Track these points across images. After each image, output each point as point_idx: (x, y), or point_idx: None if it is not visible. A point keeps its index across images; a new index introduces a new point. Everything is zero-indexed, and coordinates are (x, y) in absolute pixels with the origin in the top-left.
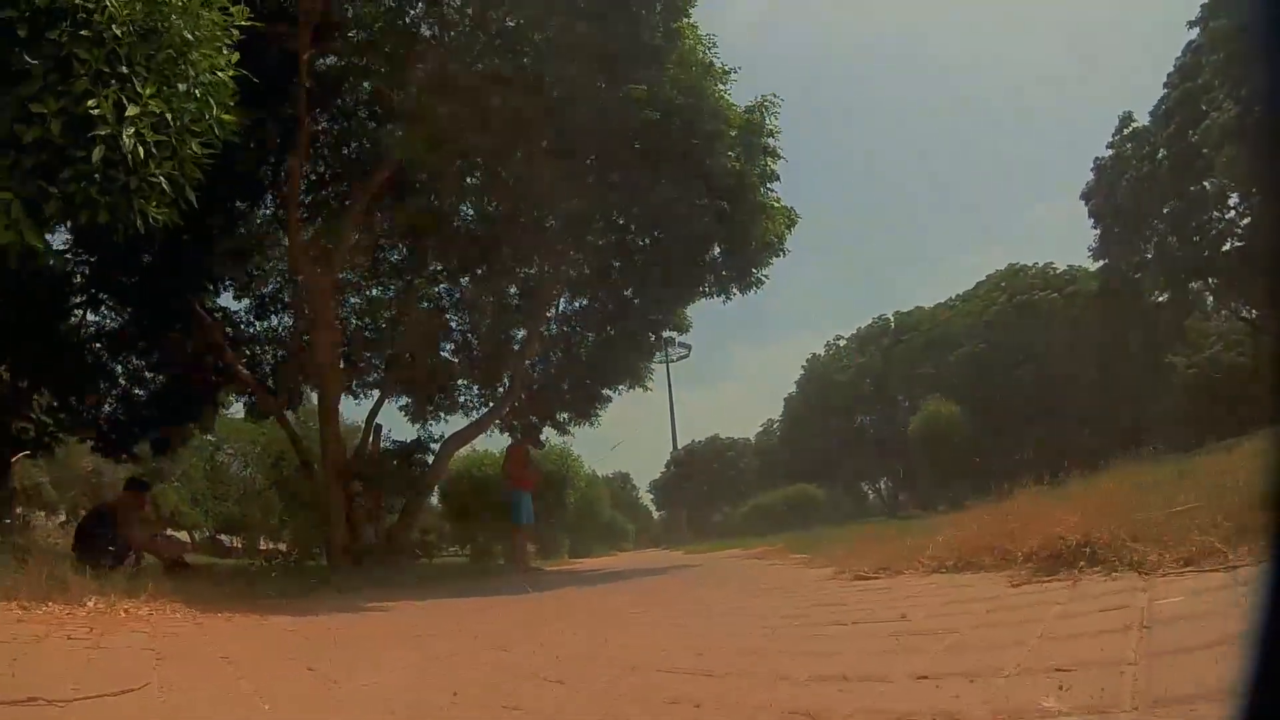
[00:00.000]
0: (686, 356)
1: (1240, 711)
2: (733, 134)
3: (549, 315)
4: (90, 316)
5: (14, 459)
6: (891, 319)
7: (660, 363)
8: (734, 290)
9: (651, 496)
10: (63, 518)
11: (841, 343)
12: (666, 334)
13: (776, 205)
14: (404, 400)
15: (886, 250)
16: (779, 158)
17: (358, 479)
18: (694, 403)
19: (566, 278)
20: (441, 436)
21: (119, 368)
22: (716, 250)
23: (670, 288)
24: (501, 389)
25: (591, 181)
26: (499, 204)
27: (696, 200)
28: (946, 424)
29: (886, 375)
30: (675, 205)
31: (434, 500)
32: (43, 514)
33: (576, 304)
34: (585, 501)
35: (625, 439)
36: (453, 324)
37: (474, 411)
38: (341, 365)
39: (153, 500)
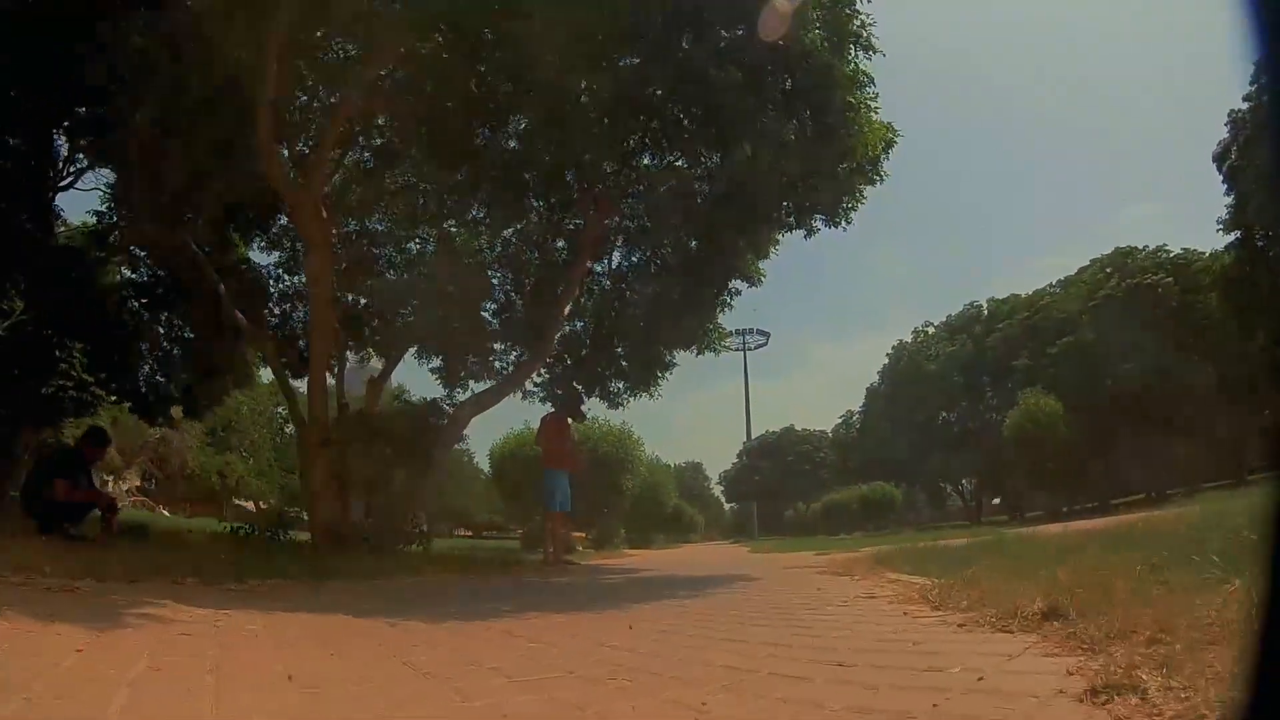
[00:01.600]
0: (765, 345)
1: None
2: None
3: (600, 271)
4: (127, 273)
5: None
6: (985, 305)
7: (738, 349)
8: (817, 221)
9: (722, 488)
10: (136, 482)
11: (930, 330)
12: (735, 285)
13: (872, 110)
14: (436, 363)
15: (977, 240)
16: (874, 50)
17: (347, 443)
18: (770, 395)
19: (623, 229)
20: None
21: (157, 327)
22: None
23: (741, 221)
24: (549, 365)
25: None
26: (528, 120)
27: (769, 86)
28: (1046, 422)
29: (978, 366)
30: (741, 98)
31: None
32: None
33: (633, 258)
34: (647, 489)
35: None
36: (494, 280)
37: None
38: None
39: None
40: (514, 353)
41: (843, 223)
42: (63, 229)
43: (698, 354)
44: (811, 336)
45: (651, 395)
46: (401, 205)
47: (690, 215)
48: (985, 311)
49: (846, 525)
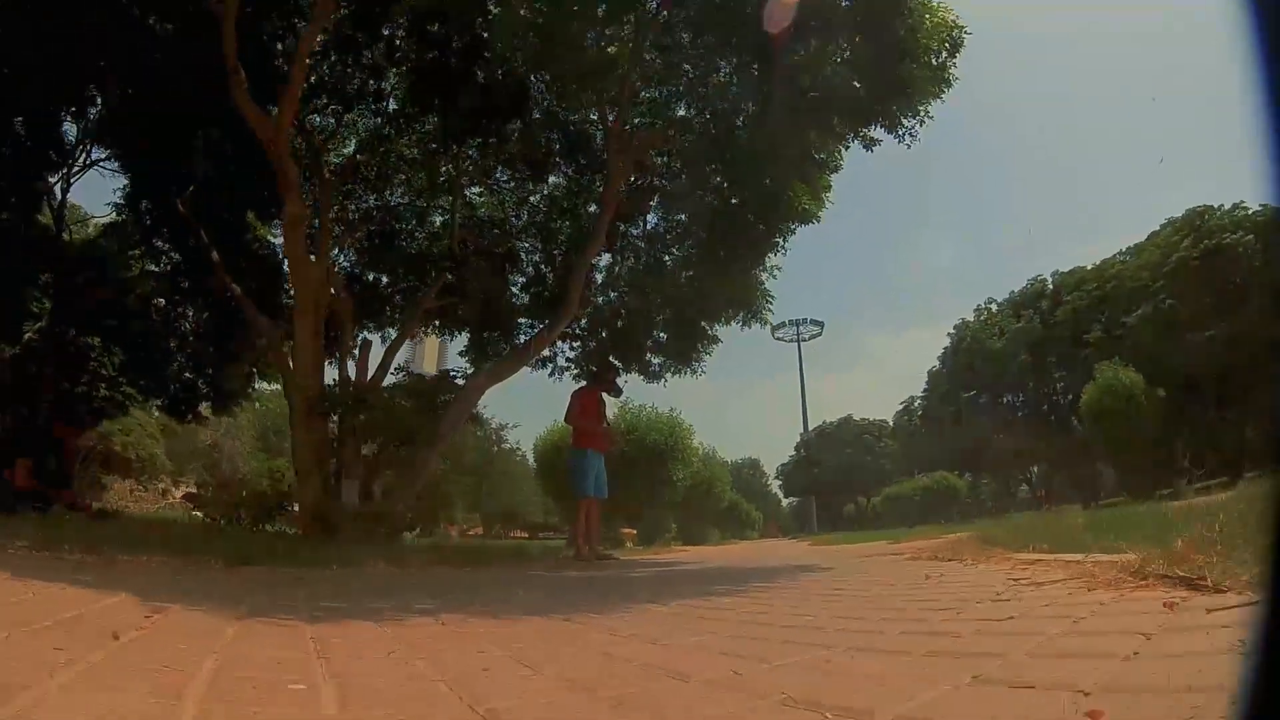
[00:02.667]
0: (819, 334)
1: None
2: None
3: (636, 233)
4: (150, 267)
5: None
6: (1050, 279)
7: (792, 341)
8: (877, 129)
9: (779, 483)
10: (188, 488)
11: (994, 307)
12: (789, 228)
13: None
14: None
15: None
16: None
17: (336, 419)
18: (825, 391)
19: (658, 189)
20: None
21: (184, 323)
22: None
23: (792, 135)
24: (577, 329)
25: None
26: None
27: None
28: (1127, 395)
29: (1046, 343)
30: None
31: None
32: (118, 478)
33: (670, 220)
34: (700, 481)
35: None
36: (522, 251)
37: (546, 359)
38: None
39: None
40: (542, 327)
41: (906, 136)
42: (77, 222)
43: (744, 324)
44: (865, 328)
45: (693, 372)
46: (422, 175)
47: (730, 155)
48: (1050, 285)
49: (909, 518)
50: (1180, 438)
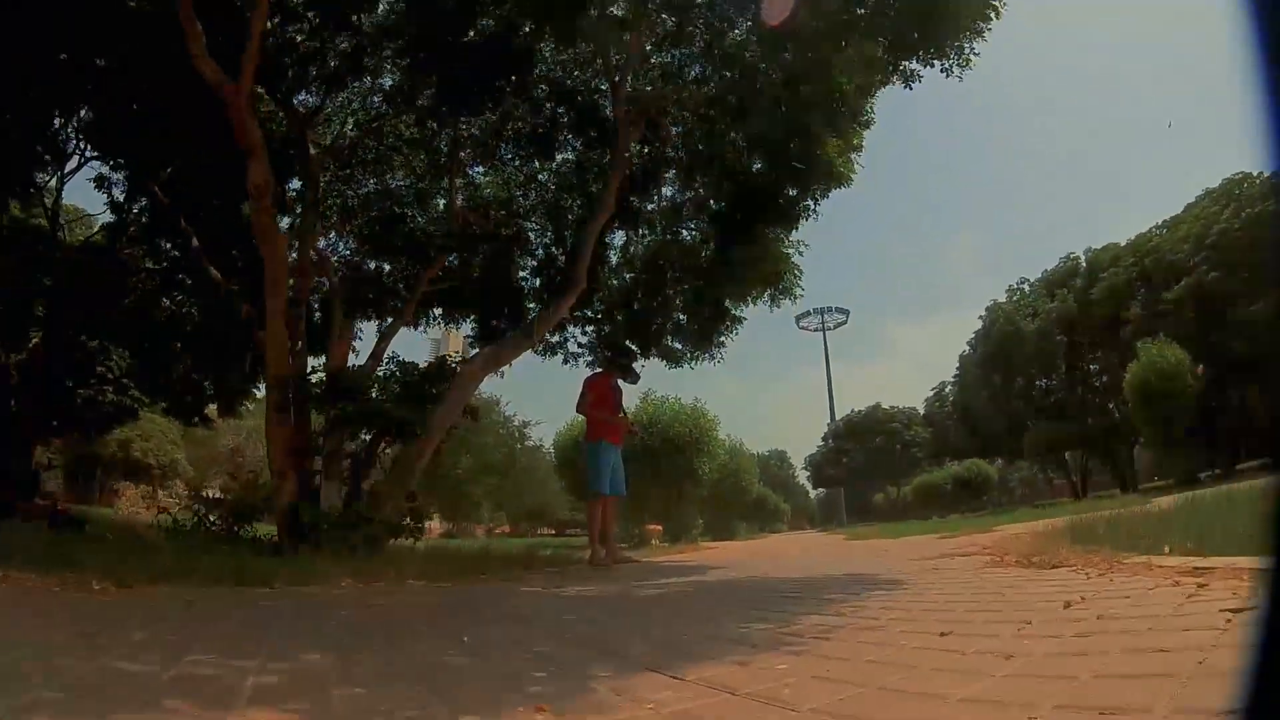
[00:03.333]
0: (845, 323)
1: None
2: None
3: (651, 207)
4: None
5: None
6: (1082, 257)
7: (816, 330)
8: (916, 62)
9: (807, 474)
10: (212, 493)
11: (1026, 287)
12: (820, 190)
13: None
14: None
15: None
16: None
17: (311, 408)
18: (852, 381)
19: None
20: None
21: (186, 325)
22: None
23: (811, 79)
24: (590, 312)
25: None
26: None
27: None
28: (1173, 374)
29: (1082, 323)
30: None
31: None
32: (133, 485)
33: (688, 193)
34: (727, 474)
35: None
36: (531, 233)
37: (556, 346)
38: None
39: None
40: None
41: (955, 68)
42: (74, 220)
43: (771, 303)
44: (889, 318)
45: (715, 357)
46: (423, 156)
47: (748, 105)
48: (1084, 264)
49: (941, 508)
50: (1225, 416)
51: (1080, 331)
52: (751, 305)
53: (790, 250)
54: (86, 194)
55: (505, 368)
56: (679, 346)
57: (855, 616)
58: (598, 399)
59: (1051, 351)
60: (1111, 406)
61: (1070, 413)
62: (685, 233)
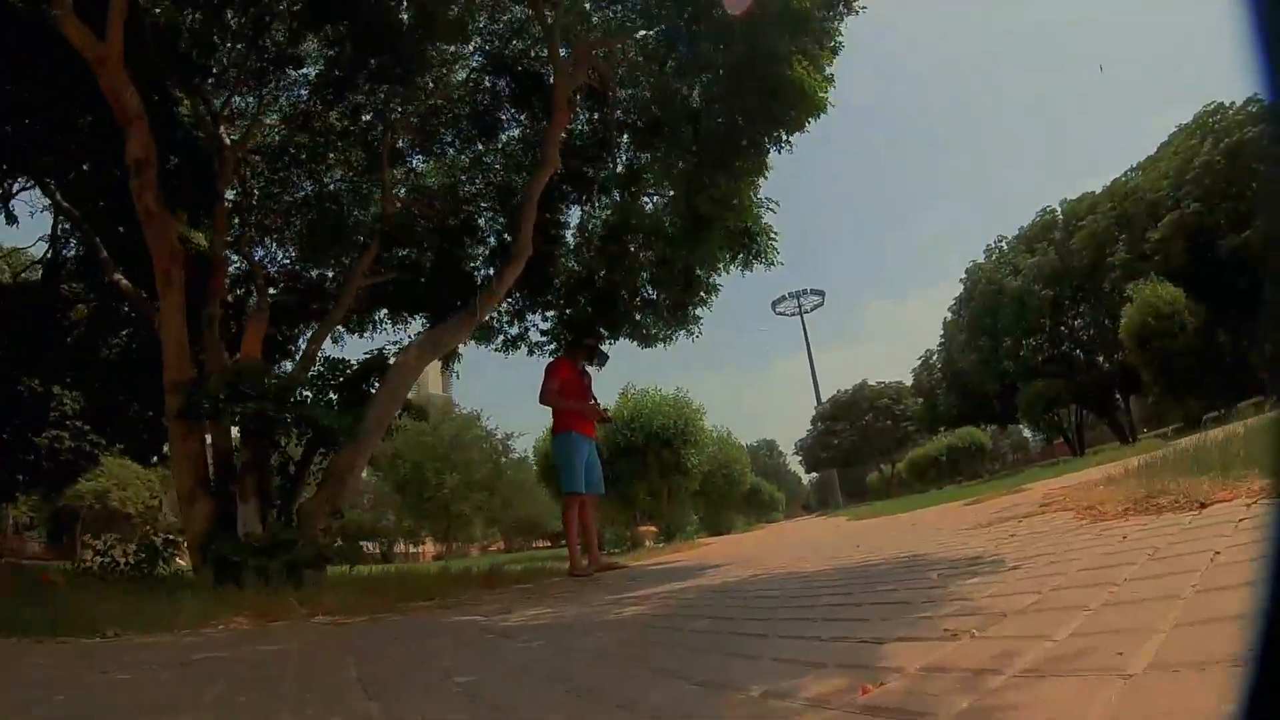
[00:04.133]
0: (821, 304)
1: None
2: None
3: (605, 176)
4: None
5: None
6: (1059, 210)
7: (794, 314)
8: None
9: (799, 459)
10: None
11: (1004, 245)
12: (787, 129)
13: None
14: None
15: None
16: None
17: (219, 414)
18: (833, 364)
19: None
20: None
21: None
22: None
23: None
24: (550, 297)
25: None
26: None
27: None
28: (1170, 313)
29: (1065, 275)
30: None
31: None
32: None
33: (645, 157)
34: (718, 466)
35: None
36: (480, 220)
37: (517, 338)
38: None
39: None
40: (510, 300)
41: None
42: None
43: (744, 267)
44: (866, 298)
45: (690, 333)
46: (360, 151)
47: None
48: (1060, 216)
49: (937, 481)
50: (1222, 354)
51: (1063, 284)
52: (725, 272)
53: (761, 209)
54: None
55: (456, 367)
56: (650, 324)
57: (989, 634)
58: (563, 385)
59: (1036, 307)
60: (1101, 359)
61: (1061, 368)
62: (647, 199)
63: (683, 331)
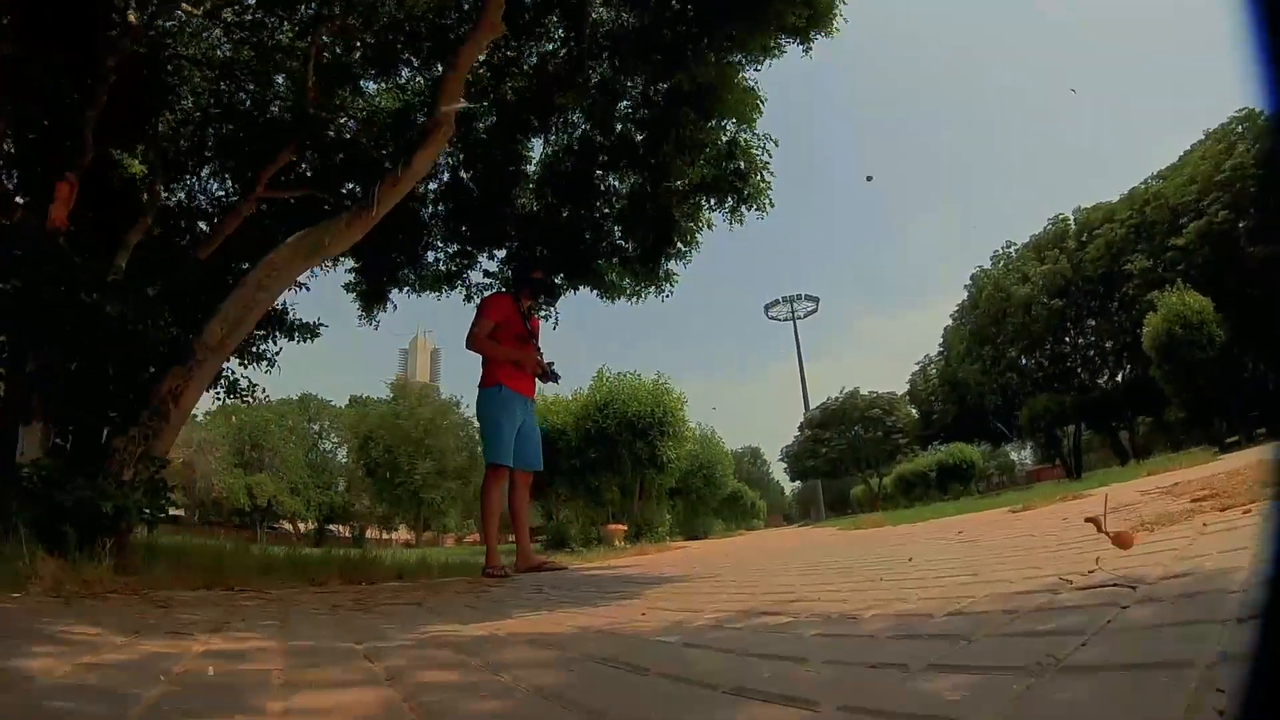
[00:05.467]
0: (815, 311)
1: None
2: None
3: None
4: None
5: None
6: (1072, 218)
7: (786, 319)
8: None
9: (784, 466)
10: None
11: (1013, 251)
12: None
13: None
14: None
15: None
16: None
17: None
18: (822, 375)
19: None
20: None
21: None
22: None
23: None
24: (509, 245)
25: None
26: None
27: None
28: (1199, 322)
29: (1076, 286)
30: None
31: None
32: None
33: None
34: (698, 466)
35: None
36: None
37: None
38: None
39: None
40: (455, 240)
41: None
42: None
43: (730, 215)
44: (857, 313)
45: (662, 290)
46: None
47: None
48: (1073, 224)
49: (924, 497)
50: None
51: (1074, 294)
52: (707, 217)
53: (756, 146)
54: None
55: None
56: (616, 275)
57: None
58: (499, 327)
59: (1045, 317)
60: (1103, 378)
61: (1063, 383)
62: (618, 123)
63: (652, 289)
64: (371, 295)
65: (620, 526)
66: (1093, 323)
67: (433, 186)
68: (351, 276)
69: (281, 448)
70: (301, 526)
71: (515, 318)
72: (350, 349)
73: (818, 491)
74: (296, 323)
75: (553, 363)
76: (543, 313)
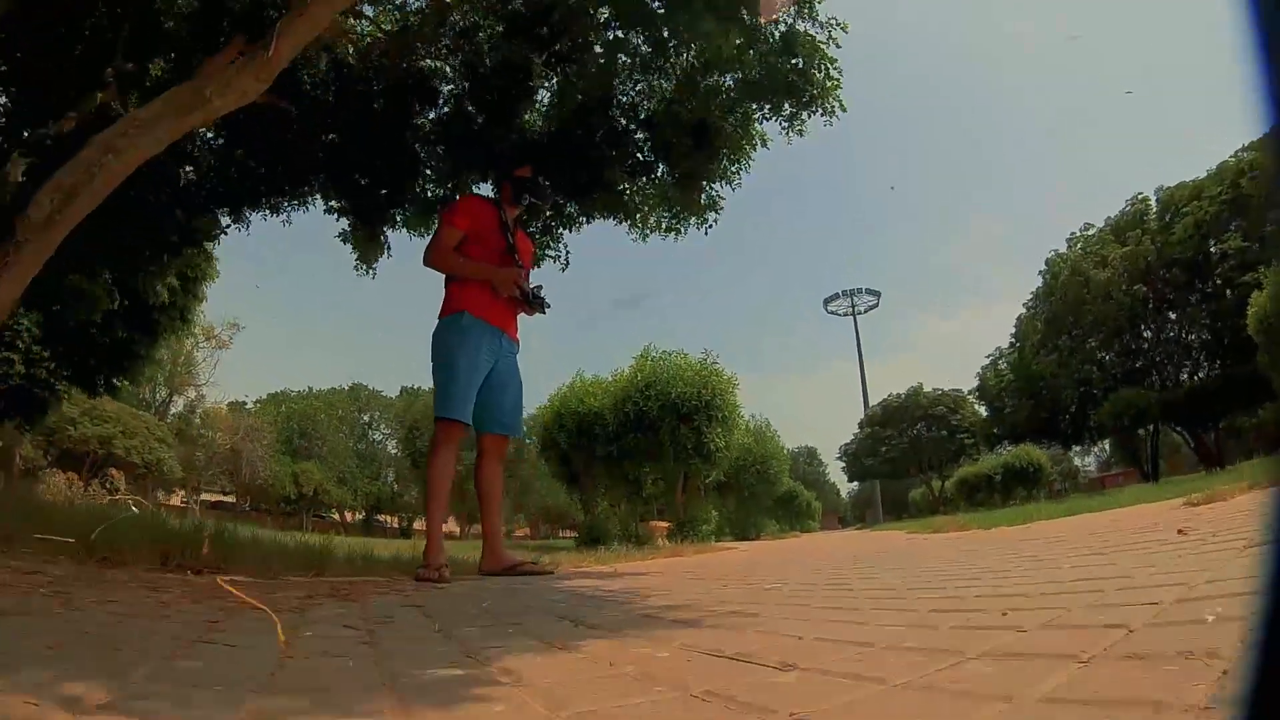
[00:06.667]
0: (876, 306)
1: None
2: None
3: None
4: None
5: None
6: (1153, 197)
7: (846, 314)
8: None
9: (842, 465)
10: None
11: (1091, 232)
12: None
13: None
14: None
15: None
16: None
17: None
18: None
19: None
20: None
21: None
22: None
23: None
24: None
25: None
26: None
27: None
28: None
29: (1161, 267)
30: None
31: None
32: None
33: None
34: (751, 459)
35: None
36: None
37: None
38: None
39: None
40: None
41: None
42: None
43: (790, 123)
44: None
45: (704, 221)
46: None
47: None
48: (1153, 204)
49: (987, 501)
50: None
51: (1157, 280)
52: (759, 131)
53: (821, 38)
54: None
55: None
56: (643, 200)
57: None
58: (470, 237)
59: (1127, 304)
60: (1185, 374)
61: (1146, 378)
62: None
63: (692, 220)
64: (365, 240)
65: (663, 524)
66: (1173, 315)
67: (431, 117)
68: (345, 224)
69: (330, 436)
70: (349, 516)
71: (493, 229)
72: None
73: (875, 493)
74: None
75: (540, 286)
76: (550, 251)
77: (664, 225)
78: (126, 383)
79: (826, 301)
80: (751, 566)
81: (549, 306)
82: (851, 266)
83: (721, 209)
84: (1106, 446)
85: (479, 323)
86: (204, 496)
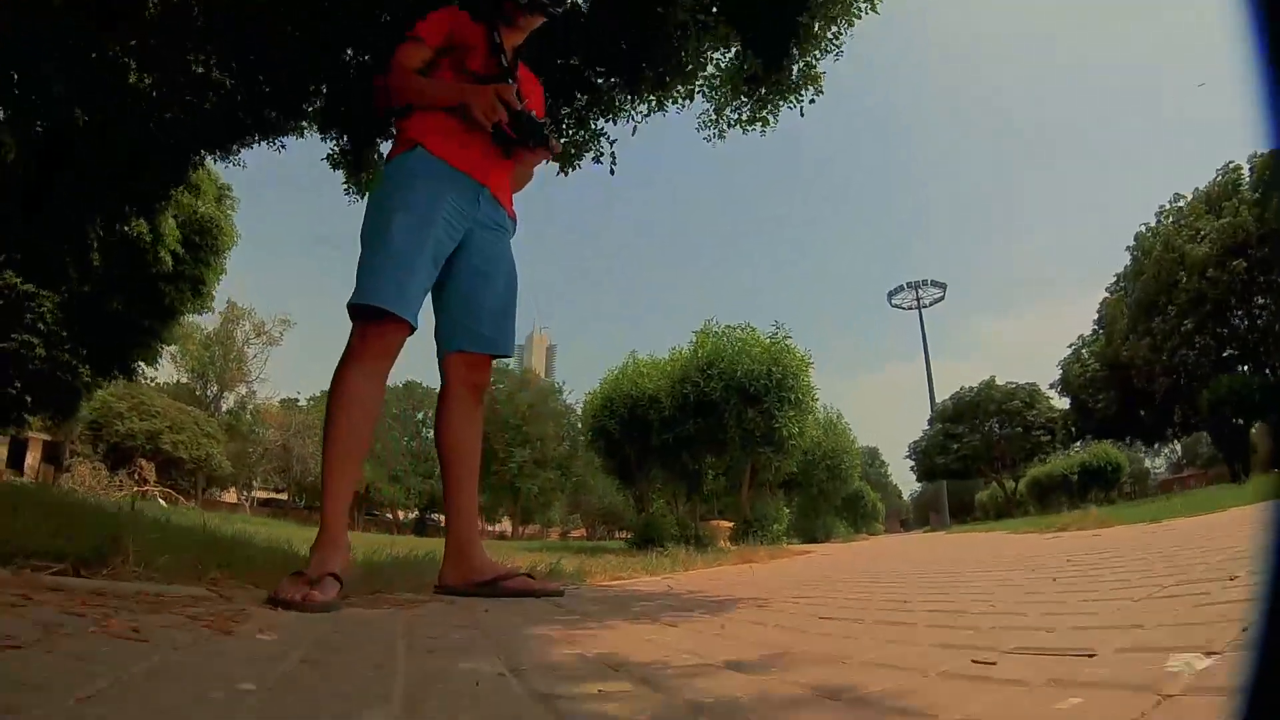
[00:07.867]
0: (941, 299)
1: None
2: None
3: None
4: None
5: None
6: (1245, 166)
7: (910, 307)
8: None
9: (911, 464)
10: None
11: (1182, 204)
12: None
13: None
14: None
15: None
16: None
17: None
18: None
19: None
20: None
21: None
22: None
23: None
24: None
25: None
26: None
27: None
28: None
29: (1264, 241)
30: None
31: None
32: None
33: None
34: (823, 454)
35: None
36: None
37: None
38: None
39: None
40: None
41: None
42: None
43: None
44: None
45: (799, 96)
46: None
47: None
48: (1246, 171)
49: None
50: None
51: (1254, 255)
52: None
53: None
54: None
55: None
56: (709, 85)
57: None
58: (441, 64)
59: (1225, 282)
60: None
61: (1242, 364)
62: None
63: (783, 101)
64: (354, 166)
65: (726, 523)
66: (1261, 300)
67: None
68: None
69: (383, 434)
70: (401, 515)
71: (476, 46)
72: None
73: (942, 495)
74: None
75: (548, 123)
76: (569, 131)
77: (744, 116)
78: (144, 365)
79: (891, 294)
80: (876, 579)
81: (548, 137)
82: (917, 260)
83: (822, 82)
84: (1179, 448)
85: (439, 163)
86: (256, 494)
